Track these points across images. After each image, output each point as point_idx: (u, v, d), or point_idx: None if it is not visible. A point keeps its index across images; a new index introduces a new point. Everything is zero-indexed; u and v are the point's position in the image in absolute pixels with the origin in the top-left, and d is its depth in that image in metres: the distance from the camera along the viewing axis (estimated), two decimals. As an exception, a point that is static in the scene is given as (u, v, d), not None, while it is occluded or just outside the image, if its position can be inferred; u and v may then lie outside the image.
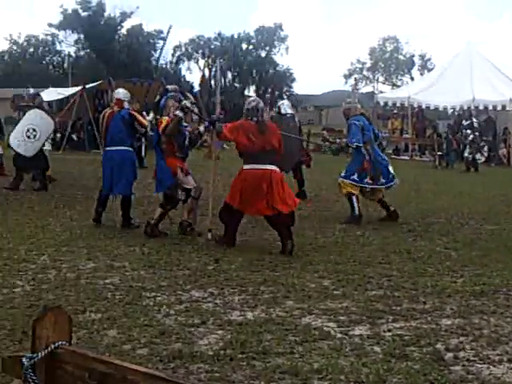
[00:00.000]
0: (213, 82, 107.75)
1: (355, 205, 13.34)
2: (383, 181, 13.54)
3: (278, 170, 10.87)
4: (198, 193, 11.98)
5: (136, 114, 13.01)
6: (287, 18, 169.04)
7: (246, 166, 10.86)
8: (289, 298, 7.95)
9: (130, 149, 12.88)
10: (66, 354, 3.23)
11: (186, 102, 12.07)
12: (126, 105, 12.96)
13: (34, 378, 3.22)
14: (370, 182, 13.45)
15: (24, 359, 3.26)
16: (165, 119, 11.69)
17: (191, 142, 12.30)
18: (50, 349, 3.22)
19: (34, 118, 16.34)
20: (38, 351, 3.23)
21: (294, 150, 15.60)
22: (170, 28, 30.11)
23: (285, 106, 17.38)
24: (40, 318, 3.26)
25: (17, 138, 17.06)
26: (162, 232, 11.70)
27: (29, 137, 16.08)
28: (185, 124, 12.19)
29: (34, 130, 15.89)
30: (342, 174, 13.64)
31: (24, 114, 16.19)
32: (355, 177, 13.42)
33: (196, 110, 12.67)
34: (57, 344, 3.24)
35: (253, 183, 10.64)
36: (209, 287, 8.36)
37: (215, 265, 9.49)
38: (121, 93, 13.26)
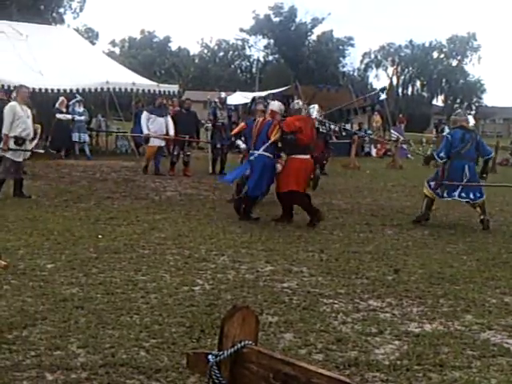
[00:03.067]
0: (400, 90, 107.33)
1: (424, 205, 14.19)
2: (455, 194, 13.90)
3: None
4: None
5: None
6: (481, 27, 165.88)
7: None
8: (468, 312, 7.80)
9: (271, 155, 13.38)
10: (252, 353, 3.28)
11: None
12: (278, 117, 13.59)
13: (219, 375, 3.30)
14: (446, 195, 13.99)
15: (210, 356, 3.34)
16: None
17: None
18: (236, 348, 3.28)
19: None
20: (225, 349, 3.30)
21: None
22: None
23: (313, 110, 18.89)
24: (229, 317, 3.33)
25: None
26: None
27: None
28: None
29: None
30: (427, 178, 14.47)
31: None
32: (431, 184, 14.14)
33: None
34: (243, 343, 3.30)
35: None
36: (387, 297, 8.30)
37: (394, 275, 9.40)
38: (276, 105, 13.93)
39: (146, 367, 5.68)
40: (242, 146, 16.03)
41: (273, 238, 11.70)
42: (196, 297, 7.89)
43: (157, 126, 21.06)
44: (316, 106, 20.00)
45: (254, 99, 29.59)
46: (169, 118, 21.24)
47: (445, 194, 13.90)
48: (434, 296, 8.40)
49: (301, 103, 14.06)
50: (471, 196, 13.78)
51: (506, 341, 6.85)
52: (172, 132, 21.13)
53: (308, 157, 13.55)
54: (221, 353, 3.29)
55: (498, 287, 8.97)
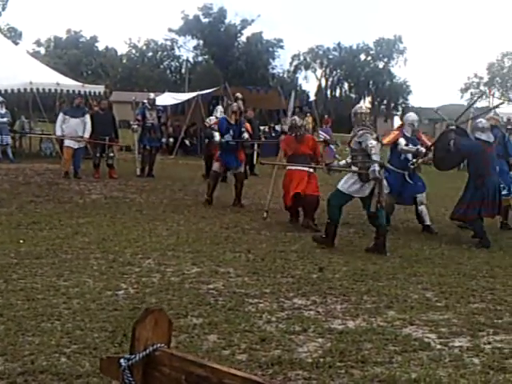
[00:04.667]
0: (328, 92, 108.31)
1: None
2: None
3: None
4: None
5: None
6: (407, 30, 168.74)
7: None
8: (391, 308, 7.90)
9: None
10: (164, 356, 3.27)
11: None
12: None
13: (131, 379, 3.28)
14: None
15: (122, 360, 3.31)
16: None
17: None
18: (148, 351, 3.27)
19: None
20: (137, 353, 3.28)
21: None
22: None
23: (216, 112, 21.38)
24: (141, 320, 3.31)
25: None
26: None
27: None
28: None
29: None
30: None
31: None
32: None
33: None
34: (155, 346, 3.29)
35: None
36: (312, 295, 8.35)
37: (319, 273, 9.47)
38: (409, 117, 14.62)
39: (66, 373, 5.57)
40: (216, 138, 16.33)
41: (200, 239, 11.65)
42: (120, 301, 7.79)
43: (71, 127, 20.76)
44: (219, 108, 20.71)
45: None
46: (87, 119, 20.92)
47: None
48: (358, 293, 8.49)
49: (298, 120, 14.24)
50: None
51: (426, 335, 6.95)
52: (87, 134, 20.85)
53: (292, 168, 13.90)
54: (133, 356, 3.27)
55: (420, 283, 9.12)
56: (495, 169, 12.73)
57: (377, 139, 11.40)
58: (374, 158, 11.00)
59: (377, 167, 10.94)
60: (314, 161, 13.91)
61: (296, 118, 14.28)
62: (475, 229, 12.53)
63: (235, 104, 18.02)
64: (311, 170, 13.86)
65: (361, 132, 11.31)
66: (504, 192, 13.55)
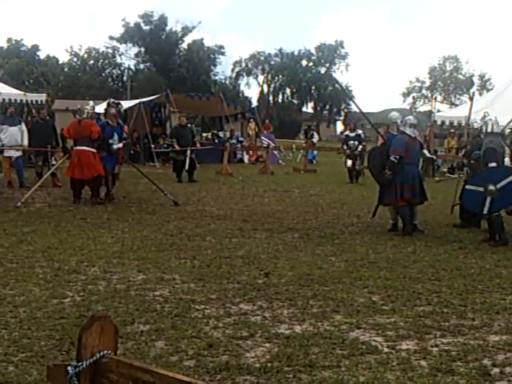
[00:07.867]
0: (271, 98, 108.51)
1: None
2: None
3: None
4: None
5: None
6: (349, 35, 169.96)
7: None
8: (337, 312, 7.94)
9: None
10: (111, 363, 3.25)
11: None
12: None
13: (79, 386, 3.25)
14: None
15: (69, 368, 3.28)
16: None
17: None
18: (95, 358, 3.25)
19: None
20: (84, 360, 3.26)
21: None
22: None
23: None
24: (86, 327, 3.28)
25: None
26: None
27: None
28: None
29: None
30: None
31: None
32: None
33: None
34: (102, 353, 3.26)
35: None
36: (258, 301, 8.37)
37: (265, 278, 9.48)
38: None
39: (14, 382, 5.57)
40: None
41: (145, 246, 11.62)
42: (66, 309, 7.76)
43: (11, 136, 20.47)
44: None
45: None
46: (23, 127, 20.73)
47: None
48: (304, 297, 8.52)
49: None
50: None
51: (373, 339, 7.00)
52: (26, 142, 20.63)
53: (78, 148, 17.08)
54: (80, 364, 3.24)
55: (365, 287, 9.17)
56: (416, 159, 14.18)
57: None
58: None
59: None
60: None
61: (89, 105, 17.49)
62: (401, 215, 13.85)
63: (113, 109, 19.06)
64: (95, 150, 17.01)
65: None
66: None
